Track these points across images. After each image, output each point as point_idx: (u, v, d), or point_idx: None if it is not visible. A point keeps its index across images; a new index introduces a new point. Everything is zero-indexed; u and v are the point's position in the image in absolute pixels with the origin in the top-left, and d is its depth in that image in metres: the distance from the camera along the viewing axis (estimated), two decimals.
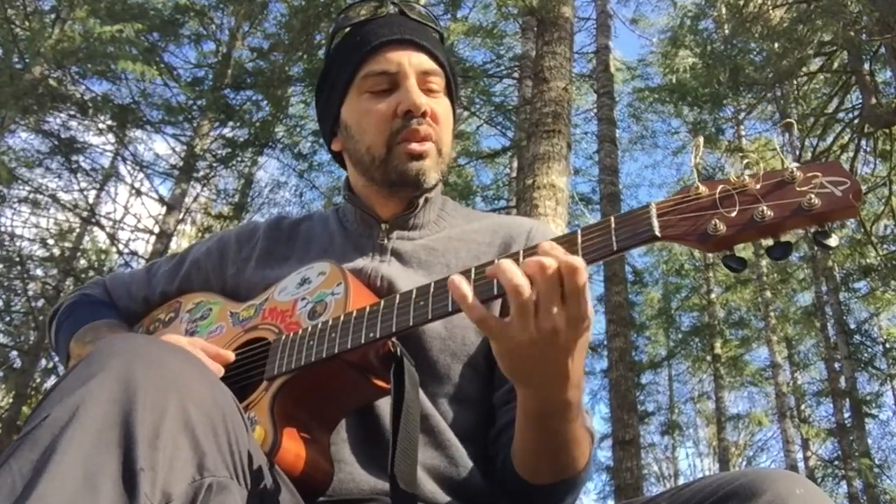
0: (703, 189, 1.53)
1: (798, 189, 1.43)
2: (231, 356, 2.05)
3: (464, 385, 2.11)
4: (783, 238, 1.46)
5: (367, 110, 2.23)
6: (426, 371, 2.06)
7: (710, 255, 1.56)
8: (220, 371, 1.95)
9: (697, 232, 1.50)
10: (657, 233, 1.53)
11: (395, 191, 2.26)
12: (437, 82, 2.28)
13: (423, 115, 2.19)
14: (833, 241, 1.41)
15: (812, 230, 1.43)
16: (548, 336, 1.54)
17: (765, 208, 1.44)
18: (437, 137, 2.22)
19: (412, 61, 2.23)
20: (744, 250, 1.54)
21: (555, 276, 1.52)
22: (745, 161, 1.50)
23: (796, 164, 1.45)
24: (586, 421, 1.92)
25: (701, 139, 1.54)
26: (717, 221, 1.48)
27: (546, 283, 1.52)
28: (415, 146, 2.18)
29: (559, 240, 1.65)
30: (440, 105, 2.27)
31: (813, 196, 1.40)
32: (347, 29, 2.36)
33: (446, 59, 2.35)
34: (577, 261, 1.53)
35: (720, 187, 1.51)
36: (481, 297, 1.70)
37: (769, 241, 1.47)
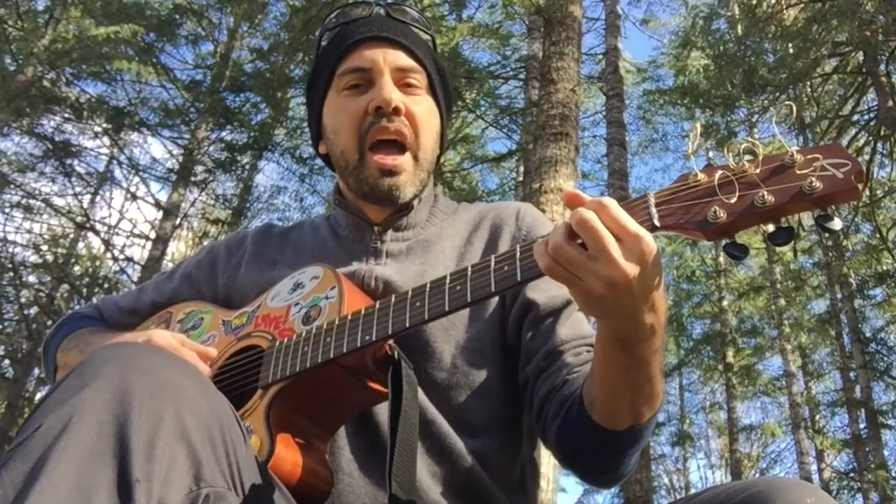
0: (701, 176, 1.52)
1: (798, 172, 1.42)
2: (213, 352, 2.06)
3: (473, 373, 2.10)
4: (785, 224, 1.45)
5: (342, 109, 2.27)
6: (433, 363, 2.07)
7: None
8: (207, 372, 1.97)
9: (697, 220, 1.49)
10: (656, 222, 1.52)
11: (370, 201, 2.28)
12: (418, 79, 2.29)
13: (396, 111, 2.20)
14: (836, 223, 1.39)
15: (815, 214, 1.42)
16: (622, 283, 1.49)
17: (765, 193, 1.42)
18: (411, 140, 2.23)
19: (387, 58, 2.26)
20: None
21: (591, 220, 1.49)
22: (744, 146, 1.49)
23: (796, 148, 1.44)
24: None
25: (699, 125, 1.53)
26: (717, 208, 1.46)
27: (587, 230, 1.49)
28: (387, 161, 2.20)
29: None
30: (420, 105, 2.28)
31: (814, 179, 1.39)
32: (333, 31, 2.39)
33: (430, 57, 2.37)
34: (605, 200, 1.51)
35: (719, 174, 1.50)
36: (477, 296, 1.72)
37: (770, 228, 1.45)
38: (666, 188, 1.57)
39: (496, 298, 2.17)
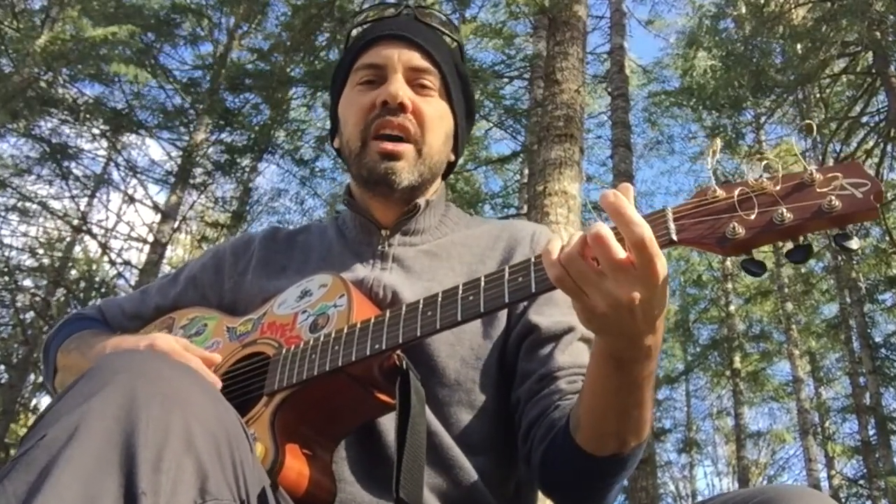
0: (720, 192, 1.53)
1: (818, 191, 1.43)
2: (217, 357, 2.06)
3: (475, 392, 2.10)
4: (803, 241, 1.46)
5: (353, 102, 2.31)
6: (435, 378, 2.06)
7: (727, 258, 1.55)
8: (218, 382, 1.96)
9: (715, 235, 1.50)
10: (674, 237, 1.53)
11: (371, 189, 2.29)
12: (431, 81, 2.31)
13: (402, 107, 2.22)
14: (854, 243, 1.41)
15: (833, 233, 1.43)
16: (626, 304, 1.50)
17: (784, 210, 1.44)
18: (416, 136, 2.24)
19: (402, 56, 2.28)
20: (764, 257, 1.53)
21: (607, 237, 1.48)
22: (764, 163, 1.50)
23: (816, 166, 1.45)
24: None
25: (718, 140, 1.54)
26: (736, 224, 1.48)
27: (601, 245, 1.48)
28: (387, 145, 2.21)
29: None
30: (430, 105, 2.29)
31: (833, 198, 1.40)
32: (360, 27, 2.44)
33: (450, 62, 2.39)
34: (635, 213, 1.48)
35: (738, 189, 1.51)
36: (490, 307, 1.73)
37: (789, 244, 1.47)
38: (685, 203, 1.58)
39: (505, 318, 2.17)
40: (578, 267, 1.52)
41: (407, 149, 2.23)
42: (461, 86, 2.43)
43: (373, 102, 2.24)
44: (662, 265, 1.50)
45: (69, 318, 2.56)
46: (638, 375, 1.67)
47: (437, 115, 2.30)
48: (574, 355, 2.10)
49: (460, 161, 2.49)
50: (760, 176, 1.50)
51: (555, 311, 2.13)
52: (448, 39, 2.44)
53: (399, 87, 2.23)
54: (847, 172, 1.43)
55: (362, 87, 2.31)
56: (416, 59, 2.29)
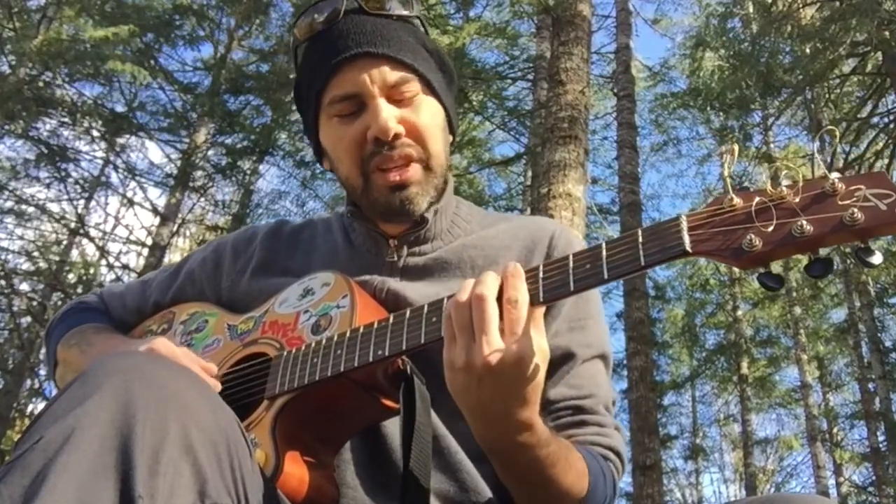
0: (737, 201, 1.50)
1: (840, 202, 1.39)
2: (214, 368, 2.03)
3: None
4: (823, 254, 1.43)
5: (338, 137, 2.16)
6: (439, 385, 1.99)
7: (742, 271, 1.53)
8: (218, 386, 1.93)
9: (731, 247, 1.47)
10: (688, 248, 1.50)
11: (387, 219, 2.20)
12: (412, 87, 2.15)
13: (396, 137, 2.08)
14: (877, 258, 1.38)
15: (854, 247, 1.40)
16: (481, 372, 1.56)
17: (804, 223, 1.40)
18: (419, 154, 2.13)
19: (374, 77, 2.10)
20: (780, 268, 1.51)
21: (488, 308, 1.56)
22: (784, 172, 1.47)
23: (838, 175, 1.42)
24: (606, 440, 1.96)
25: (736, 147, 1.51)
26: (753, 236, 1.44)
27: (480, 314, 1.56)
28: (393, 176, 2.09)
29: (581, 253, 1.63)
30: (419, 112, 2.15)
31: (856, 210, 1.36)
32: (309, 42, 2.26)
33: (421, 51, 2.22)
34: (518, 292, 1.57)
35: (756, 199, 1.48)
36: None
37: (807, 258, 1.44)
38: (700, 211, 1.55)
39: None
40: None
41: (414, 171, 2.11)
42: (437, 65, 2.27)
43: (363, 136, 2.10)
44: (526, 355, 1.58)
45: (72, 308, 2.55)
46: (520, 466, 1.73)
47: (430, 120, 2.17)
48: (570, 385, 2.08)
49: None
50: (779, 184, 1.47)
51: (556, 332, 2.10)
52: (406, 23, 2.25)
53: (387, 119, 2.07)
54: (871, 183, 1.39)
55: (342, 120, 2.15)
56: (390, 74, 2.12)
